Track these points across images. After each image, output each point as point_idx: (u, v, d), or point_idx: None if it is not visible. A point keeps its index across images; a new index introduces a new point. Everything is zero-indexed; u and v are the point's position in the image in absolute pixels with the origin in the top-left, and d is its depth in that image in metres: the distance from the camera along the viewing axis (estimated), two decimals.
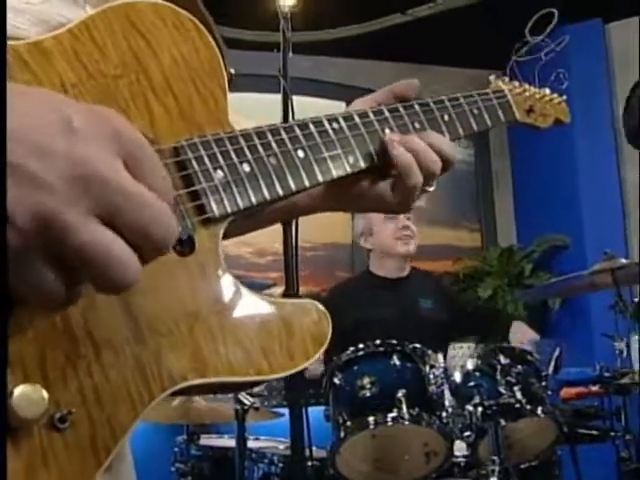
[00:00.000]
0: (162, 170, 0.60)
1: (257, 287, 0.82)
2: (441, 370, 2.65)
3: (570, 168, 5.56)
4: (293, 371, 0.76)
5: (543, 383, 2.76)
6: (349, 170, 0.89)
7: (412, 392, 2.52)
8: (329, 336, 0.79)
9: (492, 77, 1.16)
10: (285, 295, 2.20)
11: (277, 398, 4.29)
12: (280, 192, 0.80)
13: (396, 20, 5.66)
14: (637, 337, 3.83)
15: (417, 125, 0.97)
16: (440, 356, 2.70)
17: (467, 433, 2.63)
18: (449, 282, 5.00)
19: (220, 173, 0.75)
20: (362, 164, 0.90)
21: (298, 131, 0.85)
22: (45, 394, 0.60)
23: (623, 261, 3.28)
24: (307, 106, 4.59)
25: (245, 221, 0.85)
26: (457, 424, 2.64)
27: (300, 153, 0.83)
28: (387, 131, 0.94)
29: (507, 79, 1.16)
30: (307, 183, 0.83)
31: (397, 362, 2.60)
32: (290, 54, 2.36)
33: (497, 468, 2.50)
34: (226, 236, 0.77)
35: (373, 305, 3.45)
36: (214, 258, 0.75)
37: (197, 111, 0.77)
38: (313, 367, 3.07)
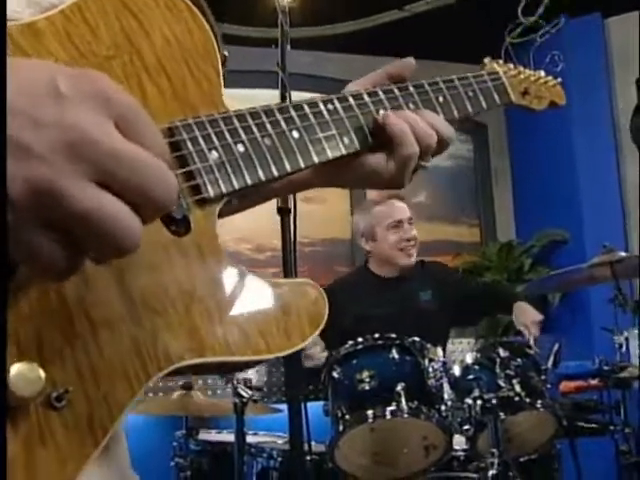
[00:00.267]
0: (155, 130, 0.59)
1: None
2: (440, 363, 2.64)
3: (569, 163, 5.56)
4: (290, 351, 0.76)
5: (542, 377, 2.76)
6: (344, 151, 0.88)
7: (411, 385, 2.52)
8: (326, 316, 0.79)
9: (487, 59, 1.16)
10: None
11: (277, 394, 4.29)
12: (275, 173, 0.79)
13: (394, 16, 5.66)
14: (636, 331, 3.83)
15: (411, 106, 0.97)
16: (439, 350, 2.69)
17: (466, 427, 2.63)
18: (444, 269, 4.98)
19: (215, 154, 0.74)
20: (357, 145, 0.90)
21: (293, 112, 0.84)
22: (42, 373, 0.60)
23: (622, 254, 3.27)
24: None
25: (240, 199, 0.84)
26: (456, 417, 2.63)
27: (295, 134, 0.83)
28: (381, 112, 0.93)
29: (502, 61, 1.16)
30: (302, 164, 0.83)
31: (396, 355, 2.59)
32: (288, 47, 2.35)
33: (496, 461, 2.49)
34: (221, 215, 0.77)
35: (372, 302, 3.43)
36: (210, 238, 0.74)
37: (191, 92, 0.77)
38: (317, 357, 3.07)
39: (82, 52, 0.69)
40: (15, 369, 0.58)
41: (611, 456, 3.32)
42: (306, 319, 0.78)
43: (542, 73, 1.23)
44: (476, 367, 2.70)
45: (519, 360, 2.73)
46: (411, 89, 0.98)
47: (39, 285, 0.62)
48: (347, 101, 0.91)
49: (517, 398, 2.62)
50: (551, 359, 2.91)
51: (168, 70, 0.75)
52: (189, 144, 0.73)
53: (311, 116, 0.86)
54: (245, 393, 2.73)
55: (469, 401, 2.61)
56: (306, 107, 0.86)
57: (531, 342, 3.02)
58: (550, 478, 2.99)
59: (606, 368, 3.26)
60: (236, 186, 0.75)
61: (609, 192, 5.47)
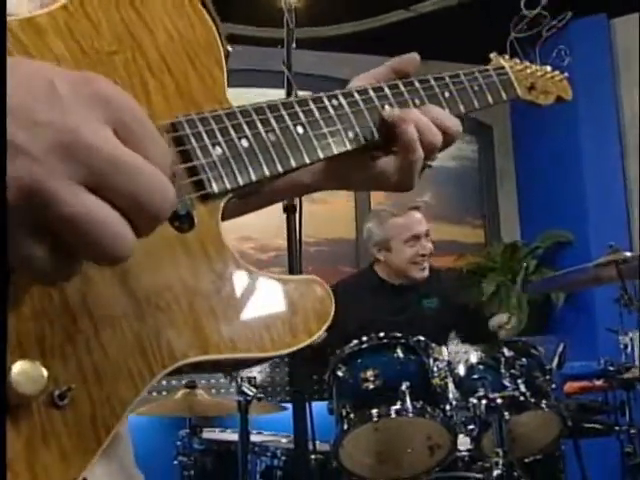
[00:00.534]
0: (156, 136, 0.57)
1: None
2: (445, 363, 2.64)
3: (574, 164, 5.54)
4: (295, 348, 0.75)
5: (547, 377, 2.75)
6: (349, 146, 0.88)
7: (416, 385, 2.52)
8: (332, 314, 0.78)
9: (493, 55, 1.15)
10: None
11: (281, 394, 4.29)
12: (280, 168, 0.78)
13: (399, 16, 5.65)
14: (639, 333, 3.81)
15: (417, 101, 0.96)
16: (444, 349, 2.69)
17: (471, 426, 2.62)
18: (454, 277, 4.96)
19: (218, 149, 0.73)
20: (362, 140, 0.89)
21: (297, 107, 0.84)
22: (44, 371, 0.59)
23: (628, 254, 3.25)
24: None
25: (246, 200, 0.84)
26: (461, 417, 2.63)
27: (299, 129, 0.82)
28: (387, 107, 0.93)
29: (507, 56, 1.15)
30: (307, 159, 0.82)
31: (401, 355, 2.59)
32: (293, 45, 2.36)
33: (501, 461, 2.49)
34: (228, 217, 0.76)
35: (377, 307, 3.40)
36: (214, 234, 0.74)
37: (194, 88, 0.76)
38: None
39: (84, 48, 0.68)
40: (17, 367, 0.58)
41: (616, 457, 3.31)
42: (312, 316, 0.77)
43: (548, 68, 1.22)
44: (481, 367, 2.70)
45: (524, 360, 2.72)
46: (417, 84, 0.97)
47: (40, 283, 0.61)
48: (352, 96, 0.91)
49: (522, 398, 2.61)
50: (556, 360, 2.90)
51: (171, 65, 0.74)
52: (192, 139, 0.72)
53: (316, 111, 0.85)
54: (249, 391, 2.72)
55: (474, 401, 2.61)
56: (310, 102, 0.86)
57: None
58: (555, 479, 2.99)
59: (611, 369, 3.25)
60: (240, 182, 0.74)
61: (614, 194, 5.44)
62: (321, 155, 0.84)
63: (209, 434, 3.24)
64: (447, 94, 1.00)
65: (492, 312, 5.31)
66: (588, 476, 3.16)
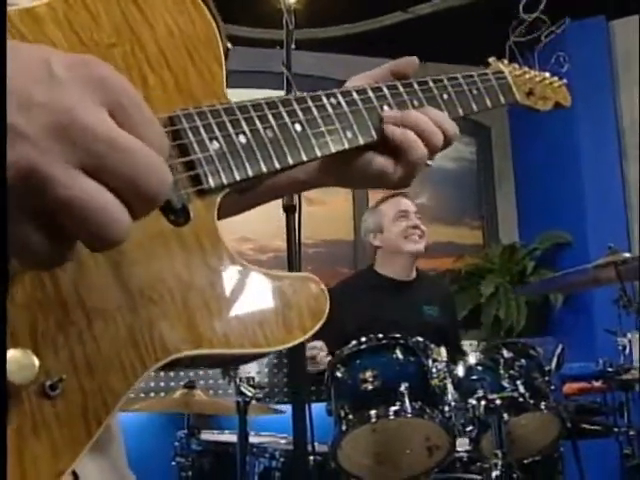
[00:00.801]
0: (152, 120, 0.57)
1: None
2: (444, 364, 2.63)
3: (572, 165, 5.54)
4: (289, 344, 0.75)
5: (546, 378, 2.75)
6: (347, 145, 0.87)
7: (414, 386, 2.51)
8: (327, 311, 0.78)
9: (492, 59, 1.15)
10: None
11: (279, 395, 4.29)
12: (277, 165, 0.78)
13: (398, 18, 5.65)
14: (638, 335, 3.81)
15: (416, 103, 0.96)
16: (443, 350, 2.68)
17: (470, 427, 2.61)
18: (446, 284, 4.98)
19: (216, 144, 0.73)
20: (360, 140, 0.89)
21: (296, 105, 0.83)
22: (36, 360, 0.59)
23: (627, 255, 3.25)
24: None
25: (242, 196, 0.83)
26: (460, 418, 2.62)
27: (297, 126, 0.82)
28: (386, 108, 0.93)
29: (506, 61, 1.15)
30: (304, 157, 0.82)
31: (400, 355, 2.58)
32: (293, 46, 2.35)
33: (500, 463, 2.48)
34: (225, 214, 0.76)
35: (376, 308, 3.43)
36: (210, 229, 0.73)
37: (193, 83, 0.76)
38: (322, 362, 3.07)
39: (83, 40, 0.68)
40: (9, 355, 0.57)
41: (614, 458, 3.31)
42: (307, 313, 0.77)
43: (547, 74, 1.23)
44: (480, 368, 2.69)
45: (523, 361, 2.71)
46: (415, 86, 0.97)
47: (34, 272, 0.61)
48: (351, 96, 0.91)
49: (521, 399, 2.61)
50: (554, 361, 2.89)
51: (170, 60, 0.74)
52: (189, 133, 0.71)
53: (314, 109, 0.85)
54: (248, 391, 2.71)
55: (473, 402, 2.60)
56: (309, 100, 0.86)
57: None
58: None
59: (610, 370, 3.25)
60: (237, 177, 0.74)
61: (613, 194, 5.45)
62: (319, 153, 0.84)
63: (207, 435, 3.24)
64: (446, 96, 1.00)
65: (492, 313, 5.36)
66: (587, 477, 3.15)
